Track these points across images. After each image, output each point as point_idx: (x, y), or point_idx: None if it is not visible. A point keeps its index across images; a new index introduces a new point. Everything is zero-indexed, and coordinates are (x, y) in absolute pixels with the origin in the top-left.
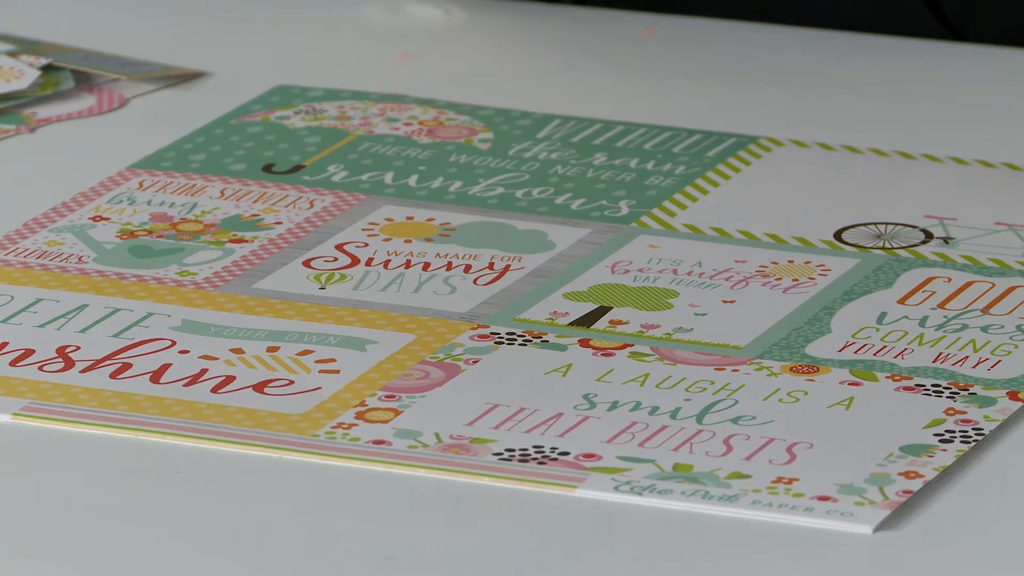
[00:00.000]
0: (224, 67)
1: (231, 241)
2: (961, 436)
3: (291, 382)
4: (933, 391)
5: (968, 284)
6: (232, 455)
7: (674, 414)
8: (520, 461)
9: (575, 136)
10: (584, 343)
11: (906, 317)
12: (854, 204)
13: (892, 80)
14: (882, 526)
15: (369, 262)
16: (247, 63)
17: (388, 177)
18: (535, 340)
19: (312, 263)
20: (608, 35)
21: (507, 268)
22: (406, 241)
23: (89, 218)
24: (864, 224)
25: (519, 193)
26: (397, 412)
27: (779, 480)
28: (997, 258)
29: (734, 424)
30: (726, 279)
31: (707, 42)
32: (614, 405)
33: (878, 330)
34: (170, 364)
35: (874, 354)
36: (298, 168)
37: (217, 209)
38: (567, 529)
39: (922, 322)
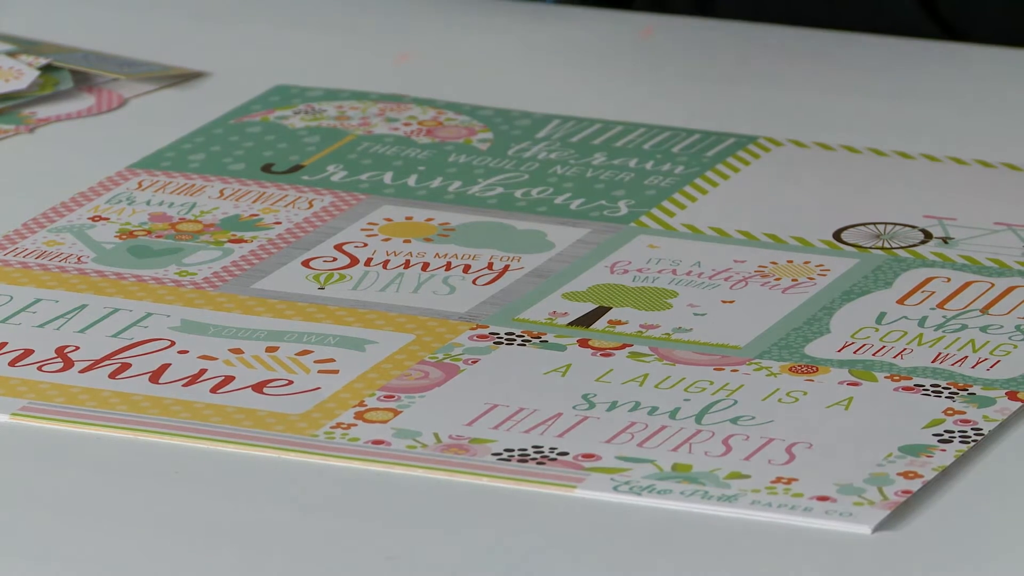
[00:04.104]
0: (223, 67)
1: (230, 241)
2: (960, 436)
3: (290, 382)
4: (932, 391)
5: (967, 284)
6: (231, 455)
7: (673, 414)
8: (519, 461)
9: (574, 136)
10: (583, 343)
11: (905, 317)
12: (853, 204)
13: (891, 80)
14: (881, 526)
15: (368, 262)
16: (246, 63)
17: (387, 177)
18: (534, 340)
19: (311, 263)
20: (608, 35)
21: (506, 268)
22: (405, 241)
23: (88, 218)
24: (863, 224)
25: (518, 193)
26: (396, 412)
27: (778, 480)
28: (996, 258)
29: (733, 424)
30: (725, 279)
31: (707, 42)
32: (613, 405)
33: (877, 330)
34: (169, 364)
35: (873, 354)
36: (297, 168)
37: (216, 209)
38: (566, 529)
39: (921, 322)
